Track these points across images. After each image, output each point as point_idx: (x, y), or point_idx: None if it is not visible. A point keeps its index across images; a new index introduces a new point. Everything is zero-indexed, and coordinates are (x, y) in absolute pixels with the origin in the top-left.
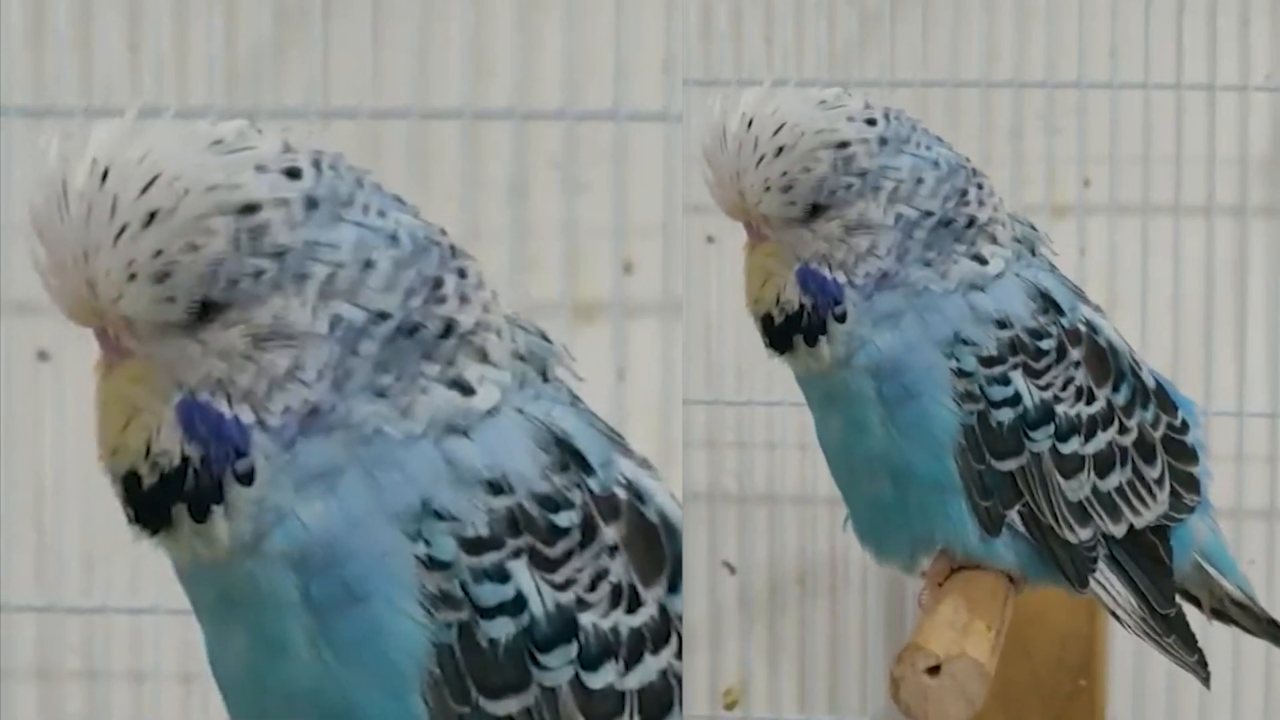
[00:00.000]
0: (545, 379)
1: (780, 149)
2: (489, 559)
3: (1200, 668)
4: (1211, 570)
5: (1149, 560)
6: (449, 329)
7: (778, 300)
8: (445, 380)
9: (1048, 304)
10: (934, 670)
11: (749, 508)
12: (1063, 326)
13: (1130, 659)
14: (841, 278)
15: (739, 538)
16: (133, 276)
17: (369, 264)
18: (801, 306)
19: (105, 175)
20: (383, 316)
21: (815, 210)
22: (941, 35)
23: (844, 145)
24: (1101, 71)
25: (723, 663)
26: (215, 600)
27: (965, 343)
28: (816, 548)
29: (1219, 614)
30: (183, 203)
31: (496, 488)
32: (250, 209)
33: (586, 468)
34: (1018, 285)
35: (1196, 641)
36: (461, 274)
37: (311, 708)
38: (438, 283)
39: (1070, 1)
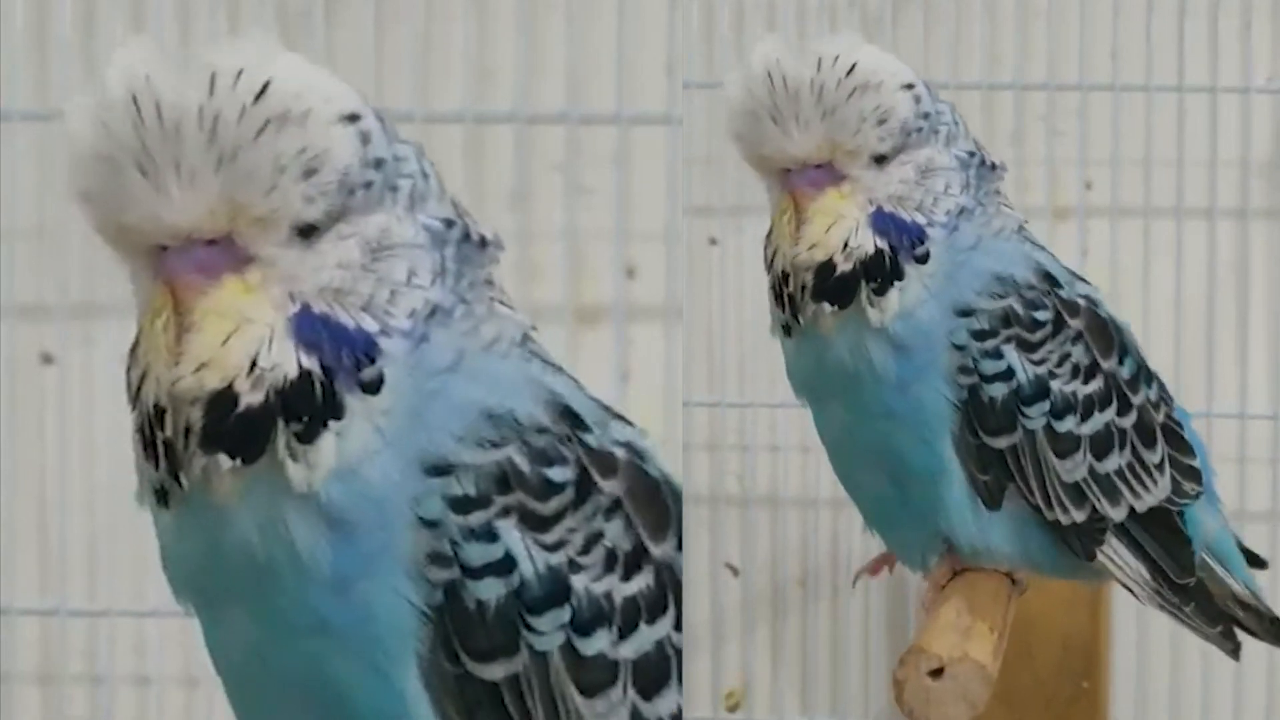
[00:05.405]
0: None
1: (868, 85)
2: (476, 518)
3: (1225, 639)
4: (1217, 567)
5: (1164, 530)
6: (484, 241)
7: (845, 245)
8: (498, 296)
9: (1043, 277)
10: (936, 673)
11: (751, 510)
12: (1059, 298)
13: (1133, 661)
14: (921, 219)
15: (741, 540)
16: (282, 169)
17: (425, 174)
18: (878, 250)
19: (213, 83)
20: (449, 224)
21: (891, 153)
22: (943, 38)
23: (911, 86)
24: (1103, 74)
25: (725, 664)
26: (218, 576)
27: (962, 314)
28: (819, 550)
29: (1223, 615)
30: (311, 107)
31: (501, 429)
32: (354, 118)
33: (580, 424)
34: (1018, 251)
35: (1220, 612)
36: None
37: (309, 692)
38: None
39: (1072, 4)
